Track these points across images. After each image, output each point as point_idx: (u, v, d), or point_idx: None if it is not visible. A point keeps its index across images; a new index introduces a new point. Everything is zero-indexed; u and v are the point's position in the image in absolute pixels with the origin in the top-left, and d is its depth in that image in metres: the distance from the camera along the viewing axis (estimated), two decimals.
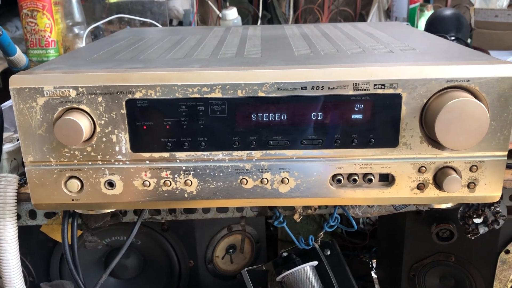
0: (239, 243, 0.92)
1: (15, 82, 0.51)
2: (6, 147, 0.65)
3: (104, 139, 0.53)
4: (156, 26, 1.18)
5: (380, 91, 0.50)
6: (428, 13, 1.63)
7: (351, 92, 0.51)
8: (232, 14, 1.28)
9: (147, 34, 0.82)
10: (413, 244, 0.84)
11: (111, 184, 0.54)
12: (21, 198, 0.64)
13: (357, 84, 0.50)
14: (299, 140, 0.53)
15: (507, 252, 0.79)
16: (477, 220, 0.68)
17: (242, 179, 0.54)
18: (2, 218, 0.62)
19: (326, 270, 0.73)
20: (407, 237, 0.83)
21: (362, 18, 2.07)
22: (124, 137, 0.53)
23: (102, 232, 0.81)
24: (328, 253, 0.75)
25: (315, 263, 0.72)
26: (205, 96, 0.51)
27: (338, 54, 0.58)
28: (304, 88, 0.51)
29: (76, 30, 1.15)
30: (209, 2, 1.35)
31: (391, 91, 0.50)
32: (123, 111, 0.51)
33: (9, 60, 0.82)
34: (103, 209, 0.59)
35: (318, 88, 0.50)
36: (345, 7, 2.08)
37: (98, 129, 0.52)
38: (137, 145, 0.53)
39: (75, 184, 0.54)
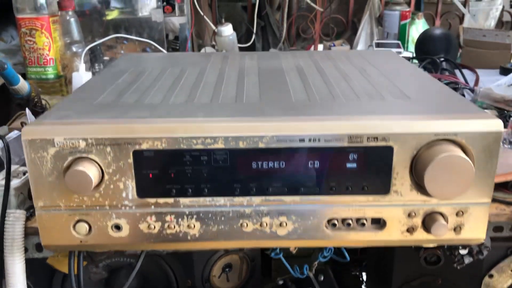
0: (235, 262, 0.96)
1: (27, 133, 0.53)
2: (14, 183, 0.67)
3: (111, 186, 0.55)
4: (152, 45, 1.19)
5: (373, 144, 0.54)
6: (419, 22, 1.66)
7: (346, 144, 0.54)
8: (227, 30, 1.30)
9: (146, 64, 0.84)
10: (402, 267, 0.88)
11: (118, 227, 0.57)
12: (28, 232, 0.67)
13: (352, 137, 0.54)
14: (297, 187, 0.56)
15: (491, 276, 0.83)
16: (462, 251, 0.72)
17: (242, 222, 0.57)
18: (11, 253, 0.65)
19: None
20: (396, 260, 0.87)
21: (354, 25, 2.10)
22: (131, 184, 0.55)
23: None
24: (322, 278, 0.79)
25: None
26: (208, 147, 0.54)
27: (332, 99, 0.62)
28: (302, 140, 0.54)
29: (74, 49, 1.16)
30: (205, 17, 1.37)
31: (383, 143, 0.54)
32: (130, 160, 0.54)
33: (12, 88, 0.84)
34: (109, 249, 0.61)
35: (315, 140, 0.54)
36: (337, 14, 2.11)
37: (106, 176, 0.55)
38: (143, 191, 0.56)
39: (83, 227, 0.57)
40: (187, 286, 0.94)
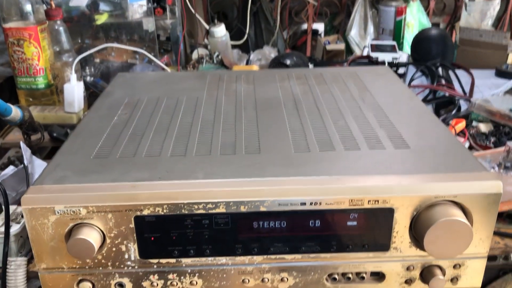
0: None
1: (27, 202, 0.53)
2: (14, 230, 0.67)
3: (114, 249, 0.56)
4: (145, 54, 1.17)
5: (373, 206, 0.54)
6: (413, 4, 1.63)
7: (347, 207, 0.54)
8: (220, 31, 1.28)
9: (141, 90, 0.83)
10: None
11: (121, 285, 0.58)
12: (30, 276, 0.67)
13: (353, 201, 0.54)
14: (298, 246, 0.56)
15: None
16: None
17: (244, 278, 0.58)
18: None
19: None
20: None
21: (348, 7, 2.06)
22: (133, 247, 0.56)
23: None
24: None
25: None
26: (210, 212, 0.54)
27: (333, 151, 0.61)
28: (303, 204, 0.54)
29: (64, 58, 1.13)
30: (197, 15, 1.33)
31: (384, 205, 0.54)
32: (132, 225, 0.54)
33: (5, 119, 0.83)
34: None
35: (316, 203, 0.54)
36: None
37: (108, 240, 0.55)
38: (145, 253, 0.56)
39: (87, 285, 0.58)
40: None
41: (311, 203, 0.54)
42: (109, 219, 0.54)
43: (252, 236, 0.56)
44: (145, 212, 0.54)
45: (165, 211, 0.54)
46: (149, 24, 1.16)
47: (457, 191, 0.54)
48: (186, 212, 0.54)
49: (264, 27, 1.93)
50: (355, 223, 0.55)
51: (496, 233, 0.73)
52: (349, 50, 1.77)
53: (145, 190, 0.54)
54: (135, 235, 0.55)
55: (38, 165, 0.83)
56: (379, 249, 0.57)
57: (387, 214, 0.55)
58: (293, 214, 0.54)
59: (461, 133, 0.97)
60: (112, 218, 0.54)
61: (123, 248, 0.56)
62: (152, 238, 0.55)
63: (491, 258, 0.76)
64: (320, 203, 0.54)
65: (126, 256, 0.56)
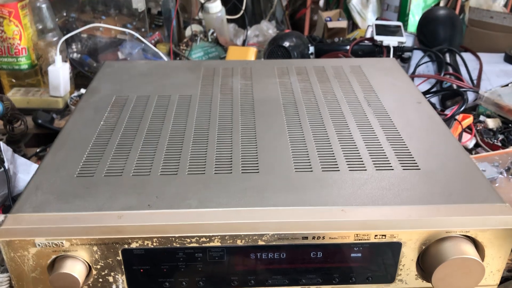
0: None
1: (4, 234, 0.49)
2: None
3: (100, 280, 0.52)
4: (133, 34, 1.09)
5: (380, 240, 0.50)
6: None
7: (352, 241, 0.50)
8: (216, 7, 1.20)
9: (130, 84, 0.77)
10: None
11: None
12: None
13: (358, 235, 0.50)
14: (298, 279, 0.53)
15: None
16: None
17: None
18: None
19: None
20: None
21: None
22: (121, 278, 0.52)
23: None
24: None
25: None
26: (203, 245, 0.50)
27: (337, 172, 0.57)
28: (305, 238, 0.50)
29: (48, 38, 1.06)
30: None
31: (391, 240, 0.50)
32: (119, 258, 0.50)
33: None
34: None
35: (319, 238, 0.50)
36: None
37: (93, 271, 0.51)
38: (134, 285, 0.52)
39: None
40: None
41: (313, 237, 0.50)
42: (95, 251, 0.50)
43: (249, 269, 0.52)
44: (133, 245, 0.49)
45: (154, 244, 0.49)
46: (139, 4, 1.08)
47: (470, 226, 0.50)
48: (178, 245, 0.50)
49: (262, 2, 1.83)
50: (359, 255, 0.52)
51: None
52: (351, 21, 1.69)
53: (133, 222, 0.49)
54: (123, 267, 0.51)
55: (21, 164, 0.78)
56: (384, 281, 0.54)
57: (394, 248, 0.51)
58: (293, 248, 0.51)
59: (468, 129, 0.92)
60: (98, 251, 0.50)
61: (111, 279, 0.52)
62: (142, 270, 0.51)
63: None
64: (324, 237, 0.50)
65: (114, 287, 0.52)
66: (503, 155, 0.85)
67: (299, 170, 0.57)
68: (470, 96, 1.01)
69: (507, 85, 1.04)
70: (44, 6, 1.04)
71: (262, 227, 0.50)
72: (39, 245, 0.49)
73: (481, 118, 0.96)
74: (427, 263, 0.51)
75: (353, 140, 0.63)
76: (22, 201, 0.53)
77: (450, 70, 1.05)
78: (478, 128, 0.93)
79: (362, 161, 0.59)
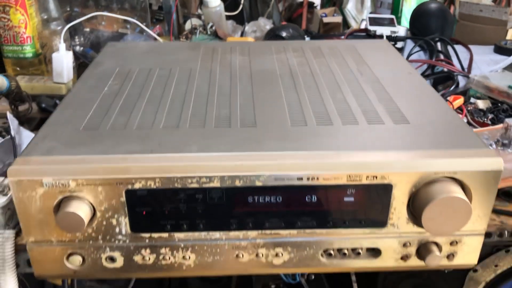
0: None
1: (13, 174, 0.51)
2: (1, 201, 0.65)
3: (104, 222, 0.54)
4: (136, 23, 1.13)
5: (372, 182, 0.53)
6: None
7: (344, 182, 0.53)
8: (214, 1, 1.24)
9: (132, 61, 0.80)
10: None
11: (112, 259, 0.56)
12: (19, 249, 0.66)
13: (351, 176, 0.52)
14: (294, 221, 0.55)
15: (475, 271, 0.86)
16: None
17: (238, 253, 0.57)
18: (3, 273, 0.64)
19: None
20: None
21: None
22: (124, 221, 0.54)
23: None
24: (312, 277, 0.80)
25: None
26: (203, 186, 0.52)
27: (330, 125, 0.60)
28: (300, 178, 0.52)
29: (52, 27, 1.10)
30: None
31: (382, 181, 0.53)
32: (123, 199, 0.53)
33: None
34: (104, 277, 0.61)
35: (313, 179, 0.52)
36: None
37: (98, 214, 0.53)
38: (137, 227, 0.55)
39: (76, 259, 0.56)
40: (179, 282, 0.96)
41: (308, 178, 0.52)
42: (99, 192, 0.52)
43: (247, 211, 0.54)
44: (137, 185, 0.52)
45: (157, 185, 0.52)
46: None
47: (457, 167, 0.52)
48: (179, 186, 0.52)
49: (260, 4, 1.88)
50: (352, 199, 0.54)
51: (492, 210, 0.73)
52: (346, 23, 1.74)
53: (137, 163, 0.52)
54: (126, 209, 0.53)
55: (26, 136, 0.80)
56: (376, 225, 0.56)
57: (385, 190, 0.53)
58: (289, 189, 0.53)
59: (459, 110, 0.95)
60: (103, 191, 0.52)
61: (114, 222, 0.54)
62: (144, 212, 0.54)
63: (486, 234, 0.76)
64: (318, 178, 0.52)
65: (117, 230, 0.55)
66: (492, 130, 0.88)
67: (295, 125, 0.60)
68: (461, 82, 1.05)
69: (496, 71, 1.07)
70: None
71: (259, 168, 0.52)
72: (46, 185, 0.51)
73: (472, 100, 0.99)
74: (417, 205, 0.54)
75: (346, 102, 0.66)
76: (30, 147, 0.55)
77: (441, 57, 1.09)
78: (469, 108, 0.96)
79: (355, 117, 0.62)
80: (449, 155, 0.53)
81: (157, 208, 0.53)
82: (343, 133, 0.58)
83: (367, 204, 0.54)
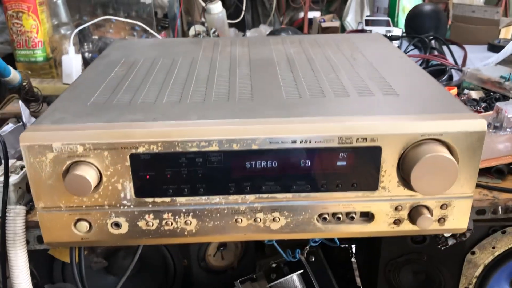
0: (229, 241, 0.99)
1: (25, 139, 0.55)
2: (13, 179, 0.68)
3: (110, 187, 0.57)
4: (141, 26, 1.19)
5: (362, 144, 0.56)
6: None
7: (336, 145, 0.56)
8: (216, 8, 1.29)
9: (138, 53, 0.84)
10: (390, 245, 0.92)
11: (117, 225, 0.59)
12: (29, 225, 0.69)
13: (341, 138, 0.55)
14: (289, 185, 0.58)
15: (473, 253, 0.88)
16: (446, 234, 0.76)
17: (237, 218, 0.60)
18: (13, 247, 0.67)
19: (310, 277, 0.80)
20: (384, 239, 0.91)
21: None
22: (129, 185, 0.57)
23: None
24: (313, 259, 0.82)
25: (301, 271, 0.80)
26: (203, 149, 0.56)
27: (323, 97, 0.63)
28: (294, 142, 0.56)
29: (62, 31, 1.15)
30: None
31: (372, 144, 0.56)
32: (127, 163, 0.56)
33: (4, 80, 0.84)
34: (109, 244, 0.64)
35: (306, 141, 0.56)
36: None
37: (104, 178, 0.57)
38: (140, 192, 0.58)
39: (84, 225, 0.59)
40: (183, 266, 0.98)
41: (301, 141, 0.56)
42: (105, 156, 0.55)
43: (244, 175, 0.57)
44: (140, 149, 0.55)
45: (159, 148, 0.55)
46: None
47: (443, 129, 0.55)
48: (180, 150, 0.55)
49: (261, 12, 1.95)
50: (343, 161, 0.57)
51: (485, 187, 0.75)
52: (344, 29, 1.79)
53: (140, 128, 0.55)
54: (130, 173, 0.56)
55: None
56: (368, 188, 0.58)
57: (375, 153, 0.56)
58: (283, 152, 0.56)
59: None
60: (108, 156, 0.55)
61: (119, 186, 0.57)
62: (147, 177, 0.57)
63: (480, 211, 0.78)
64: (310, 141, 0.56)
65: (122, 195, 0.58)
66: (485, 116, 0.91)
67: (290, 98, 0.63)
68: (455, 77, 1.08)
69: (489, 65, 1.10)
70: (59, 1, 1.14)
71: (255, 132, 0.55)
72: (55, 149, 0.55)
73: (465, 91, 1.02)
74: (405, 166, 0.56)
75: (339, 79, 0.69)
76: (41, 118, 0.59)
77: (436, 53, 1.13)
78: (462, 98, 0.99)
79: (347, 91, 0.65)
80: (435, 118, 0.56)
81: (160, 172, 0.57)
82: (335, 103, 0.61)
83: (358, 166, 0.57)
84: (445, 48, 1.21)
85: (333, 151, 0.56)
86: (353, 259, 1.24)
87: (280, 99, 0.63)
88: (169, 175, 0.57)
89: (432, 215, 0.60)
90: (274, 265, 0.79)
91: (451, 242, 0.77)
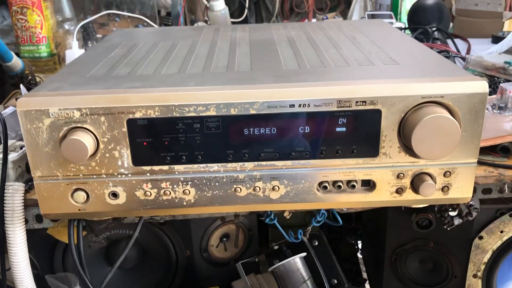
0: (232, 232, 0.98)
1: (22, 104, 0.54)
2: (11, 156, 0.68)
3: (107, 155, 0.57)
4: (145, 21, 1.19)
5: (361, 107, 0.55)
6: None
7: (335, 109, 0.55)
8: (219, 5, 1.30)
9: (139, 38, 0.85)
10: (395, 232, 0.90)
11: (114, 195, 0.59)
12: (28, 204, 0.68)
13: (341, 102, 0.55)
14: (288, 152, 0.57)
15: (481, 238, 0.86)
16: (452, 213, 0.74)
17: (236, 187, 0.59)
18: (11, 224, 0.67)
19: (314, 260, 0.78)
20: (389, 225, 0.89)
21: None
22: (126, 153, 0.57)
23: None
24: (316, 243, 0.81)
25: (303, 254, 0.78)
26: (200, 114, 0.55)
27: (323, 68, 0.62)
28: (292, 106, 0.55)
29: (66, 26, 1.16)
30: None
31: (371, 107, 0.55)
32: (125, 129, 0.55)
33: (6, 65, 0.85)
34: (107, 216, 0.63)
35: (304, 105, 0.55)
36: None
37: (101, 145, 0.56)
38: (138, 159, 0.57)
39: (81, 195, 0.58)
40: (186, 256, 0.96)
41: (299, 105, 0.55)
42: (102, 122, 0.55)
43: (242, 141, 0.56)
44: (137, 114, 0.55)
45: (156, 113, 0.55)
46: None
47: (444, 91, 0.54)
48: (178, 115, 0.55)
49: (264, 16, 1.96)
50: (343, 126, 0.56)
51: (490, 165, 0.74)
52: None
53: (137, 93, 0.55)
54: (127, 139, 0.56)
55: None
56: (369, 154, 0.57)
57: (375, 116, 0.55)
58: (282, 117, 0.55)
59: None
60: (105, 122, 0.55)
61: (116, 154, 0.57)
62: (145, 143, 0.56)
63: (486, 190, 0.77)
64: (309, 105, 0.55)
65: (120, 163, 0.57)
66: (490, 98, 0.90)
67: (289, 68, 0.63)
68: (459, 65, 1.07)
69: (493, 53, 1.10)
70: None
71: (253, 96, 0.55)
72: (52, 114, 0.54)
73: None
74: (406, 131, 0.55)
75: (339, 53, 0.69)
76: (38, 87, 0.59)
77: (439, 43, 1.12)
78: None
79: (347, 62, 0.64)
80: (436, 81, 0.55)
81: (157, 139, 0.56)
82: (335, 72, 0.61)
83: (358, 131, 0.56)
84: (449, 41, 1.20)
85: (332, 115, 0.55)
86: (359, 255, 1.22)
87: (279, 70, 0.62)
88: (167, 141, 0.56)
89: (435, 183, 0.58)
90: (276, 247, 0.78)
91: (457, 221, 0.75)
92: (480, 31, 1.29)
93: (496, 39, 1.23)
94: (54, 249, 0.92)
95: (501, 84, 0.86)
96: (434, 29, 1.18)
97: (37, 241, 0.90)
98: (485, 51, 1.18)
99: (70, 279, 0.85)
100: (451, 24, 1.37)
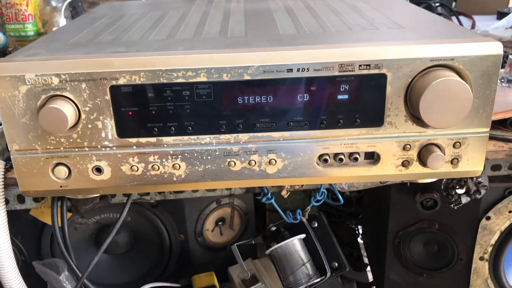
0: (228, 216, 0.94)
1: None
2: None
3: (89, 126, 0.52)
4: None
5: (365, 72, 0.51)
6: None
7: (336, 73, 0.51)
8: None
9: (128, 10, 0.80)
10: (398, 213, 0.86)
11: (98, 169, 0.54)
12: (8, 183, 0.64)
13: (343, 65, 0.50)
14: (286, 122, 0.53)
15: (488, 218, 0.82)
16: (459, 191, 0.70)
17: (230, 161, 0.54)
18: None
19: (313, 242, 0.74)
20: (392, 206, 0.85)
21: None
22: (110, 123, 0.52)
23: (91, 210, 0.82)
24: (316, 225, 0.77)
25: (303, 236, 0.74)
26: (190, 80, 0.50)
27: (323, 32, 0.58)
28: (290, 70, 0.50)
29: (53, 3, 1.11)
30: None
31: (376, 71, 0.51)
32: (108, 97, 0.51)
33: None
34: (92, 194, 0.59)
35: (303, 70, 0.50)
36: None
37: (83, 115, 0.52)
38: (123, 130, 0.53)
39: (62, 171, 0.54)
40: (180, 241, 0.92)
41: (298, 69, 0.50)
42: (83, 89, 0.51)
43: (236, 110, 0.52)
44: (121, 81, 0.50)
45: (142, 79, 0.50)
46: None
47: (455, 53, 0.50)
48: (165, 81, 0.50)
49: None
50: (345, 92, 0.52)
51: (500, 139, 0.70)
52: None
53: (121, 57, 0.50)
54: (111, 109, 0.51)
55: None
56: (373, 124, 0.53)
57: (379, 81, 0.51)
58: (279, 83, 0.51)
59: None
60: (86, 89, 0.51)
61: (100, 124, 0.52)
62: (130, 113, 0.52)
63: (495, 167, 0.73)
64: (308, 69, 0.50)
65: (103, 135, 0.53)
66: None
67: (286, 33, 0.58)
68: None
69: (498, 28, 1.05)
70: None
71: (247, 59, 0.50)
72: (28, 81, 0.50)
73: None
74: (414, 97, 0.51)
75: (340, 20, 0.64)
76: (14, 53, 0.54)
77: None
78: None
79: (349, 27, 0.60)
80: (446, 42, 0.51)
81: (143, 108, 0.52)
82: (336, 35, 0.56)
83: (361, 98, 0.52)
84: (453, 18, 1.16)
85: (333, 80, 0.51)
86: (359, 239, 1.19)
87: (276, 35, 0.58)
88: (154, 111, 0.52)
89: (444, 154, 0.54)
90: (273, 229, 0.74)
91: (464, 200, 0.71)
92: (485, 8, 1.24)
93: (501, 15, 1.19)
94: (41, 235, 0.88)
95: (510, 57, 0.81)
96: (437, 4, 1.13)
97: (24, 226, 0.87)
98: (490, 27, 1.13)
99: (58, 264, 0.81)
100: (453, 4, 1.32)
